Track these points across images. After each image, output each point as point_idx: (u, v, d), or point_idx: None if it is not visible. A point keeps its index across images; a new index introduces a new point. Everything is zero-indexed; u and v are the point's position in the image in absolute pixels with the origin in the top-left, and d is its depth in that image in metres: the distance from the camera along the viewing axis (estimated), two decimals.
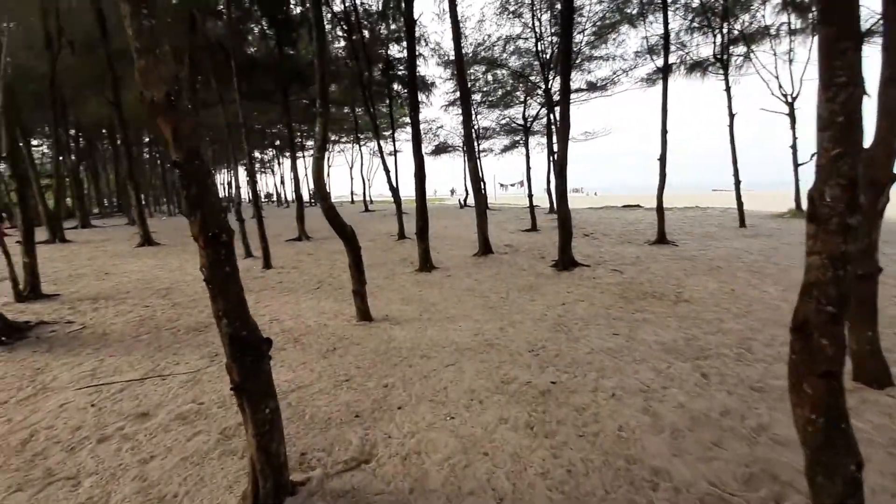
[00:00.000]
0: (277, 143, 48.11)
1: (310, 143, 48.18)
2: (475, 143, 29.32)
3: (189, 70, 13.98)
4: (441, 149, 31.59)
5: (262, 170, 59.42)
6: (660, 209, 11.02)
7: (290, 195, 58.13)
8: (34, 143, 28.37)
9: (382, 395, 3.76)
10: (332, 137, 42.87)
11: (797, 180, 16.72)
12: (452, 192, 55.13)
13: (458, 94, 26.88)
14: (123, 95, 14.13)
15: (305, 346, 4.98)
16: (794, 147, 16.34)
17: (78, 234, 18.18)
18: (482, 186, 28.66)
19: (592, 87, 21.92)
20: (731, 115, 13.47)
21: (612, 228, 14.55)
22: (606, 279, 7.69)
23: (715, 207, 22.52)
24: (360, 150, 39.22)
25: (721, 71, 14.16)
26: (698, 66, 16.94)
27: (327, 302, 6.96)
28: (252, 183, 10.34)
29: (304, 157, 46.25)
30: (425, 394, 3.73)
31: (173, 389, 3.96)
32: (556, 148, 20.70)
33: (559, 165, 8.48)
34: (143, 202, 26.09)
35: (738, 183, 13.62)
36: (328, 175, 50.41)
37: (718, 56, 13.92)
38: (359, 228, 17.04)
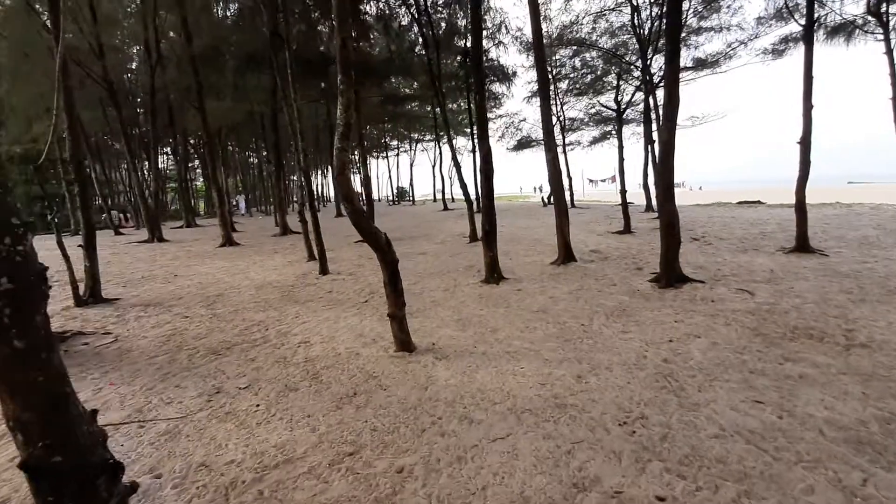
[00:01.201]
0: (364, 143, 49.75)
1: (394, 142, 49.00)
2: (555, 134, 27.17)
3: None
4: (524, 143, 29.77)
5: (353, 169, 61.97)
6: (801, 207, 8.51)
7: (380, 193, 59.92)
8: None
9: (390, 489, 2.54)
10: (414, 136, 43.00)
11: None
12: (537, 189, 52.55)
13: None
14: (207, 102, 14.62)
15: (321, 388, 3.94)
16: None
17: (178, 233, 19.55)
18: (568, 182, 26.45)
19: (701, 64, 18.83)
20: None
21: (730, 231, 11.93)
22: (731, 304, 5.75)
23: (862, 204, 18.15)
24: (439, 147, 38.87)
25: (879, 29, 10.85)
26: (842, 29, 13.44)
27: (370, 320, 5.94)
28: (307, 181, 9.75)
29: (387, 156, 47.05)
30: (452, 497, 2.45)
31: (138, 448, 3.11)
32: (655, 136, 18.04)
33: (664, 152, 6.63)
34: (230, 202, 27.87)
35: None
36: (411, 174, 50.87)
37: (875, 9, 10.65)
38: (432, 229, 16.06)
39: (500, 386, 3.80)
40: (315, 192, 52.99)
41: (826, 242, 9.40)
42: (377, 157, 54.55)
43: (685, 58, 18.37)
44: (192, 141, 28.15)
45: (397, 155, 50.96)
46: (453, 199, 42.99)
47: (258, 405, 3.65)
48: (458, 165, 12.45)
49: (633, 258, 9.15)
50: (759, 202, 21.13)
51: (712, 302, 5.89)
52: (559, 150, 27.23)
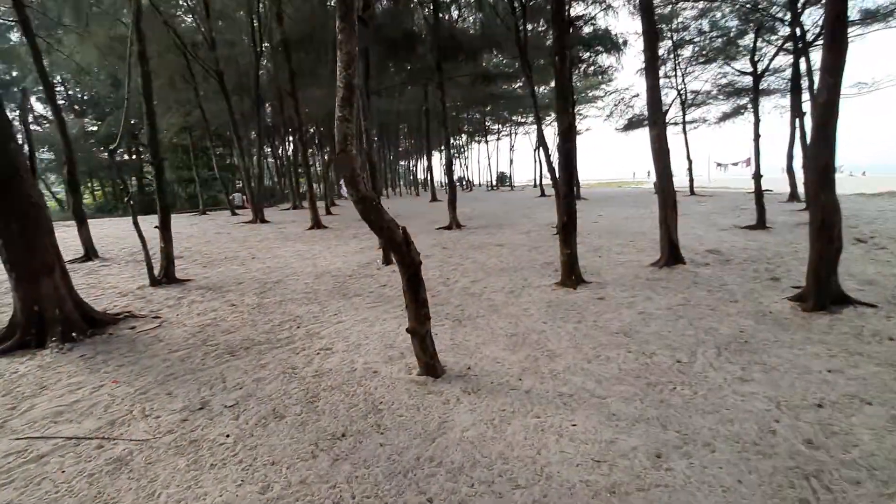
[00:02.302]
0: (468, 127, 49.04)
1: (496, 126, 47.60)
2: (676, 110, 23.46)
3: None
4: (635, 122, 26.50)
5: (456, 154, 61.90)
6: None
7: (481, 178, 59.26)
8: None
9: None
10: (515, 118, 41.14)
11: None
12: (650, 173, 47.27)
13: (660, 49, 21.71)
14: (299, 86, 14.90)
15: (310, 419, 3.17)
16: None
17: (283, 215, 20.77)
18: (687, 165, 22.93)
19: (870, 15, 14.47)
20: None
21: None
22: None
23: None
24: (540, 130, 36.62)
25: None
26: None
27: None
28: (370, 164, 9.11)
29: (486, 140, 45.83)
30: None
31: (74, 481, 2.60)
32: (806, 109, 14.40)
33: (821, 121, 4.65)
34: (337, 186, 29.07)
35: None
36: (511, 160, 48.94)
37: None
38: (521, 216, 14.85)
39: (534, 453, 2.66)
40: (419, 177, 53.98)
41: None
42: (479, 142, 53.70)
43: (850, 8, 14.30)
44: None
45: (498, 139, 49.46)
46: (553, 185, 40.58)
47: (228, 435, 2.99)
48: (545, 147, 10.95)
49: (766, 263, 7.03)
50: None
51: (890, 341, 3.96)
52: (678, 127, 23.72)
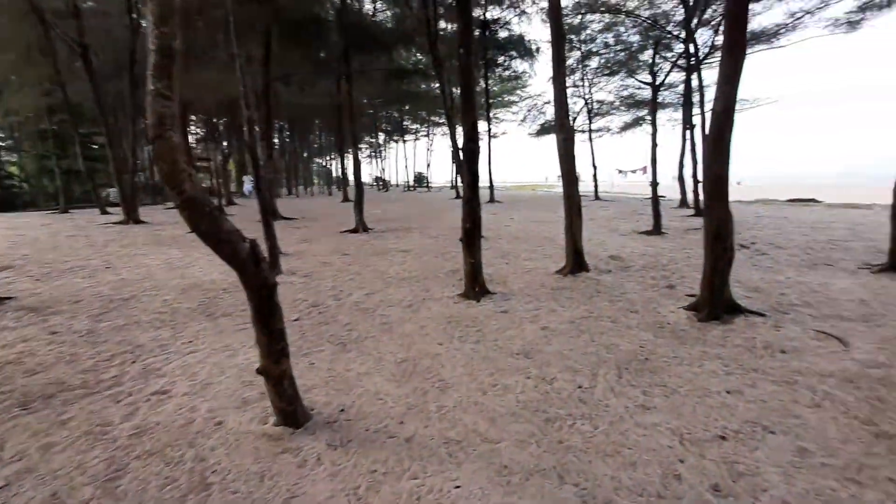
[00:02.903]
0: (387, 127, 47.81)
1: (415, 125, 47.03)
2: (582, 119, 24.64)
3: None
4: (547, 128, 27.45)
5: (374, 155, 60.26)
6: None
7: (399, 178, 58.22)
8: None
9: None
10: (433, 118, 40.96)
11: None
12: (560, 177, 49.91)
13: (569, 58, 22.59)
14: None
15: None
16: None
17: (165, 214, 18.31)
18: (593, 172, 24.10)
19: (755, 37, 16.14)
20: None
21: (787, 237, 9.69)
22: (814, 360, 3.77)
23: None
24: (453, 130, 36.83)
25: None
26: None
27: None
28: (253, 159, 8.00)
29: (403, 140, 45.13)
30: None
31: None
32: (696, 121, 15.59)
33: (717, 129, 4.60)
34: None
35: None
36: (429, 160, 48.65)
37: None
38: (433, 219, 14.26)
39: None
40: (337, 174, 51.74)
41: None
42: (397, 142, 52.77)
43: None
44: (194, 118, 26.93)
45: (416, 139, 48.98)
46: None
47: None
48: (456, 148, 10.52)
49: (662, 269, 7.14)
50: (813, 200, 18.45)
51: (782, 353, 3.92)
52: (585, 135, 24.91)
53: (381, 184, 46.54)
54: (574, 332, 4.55)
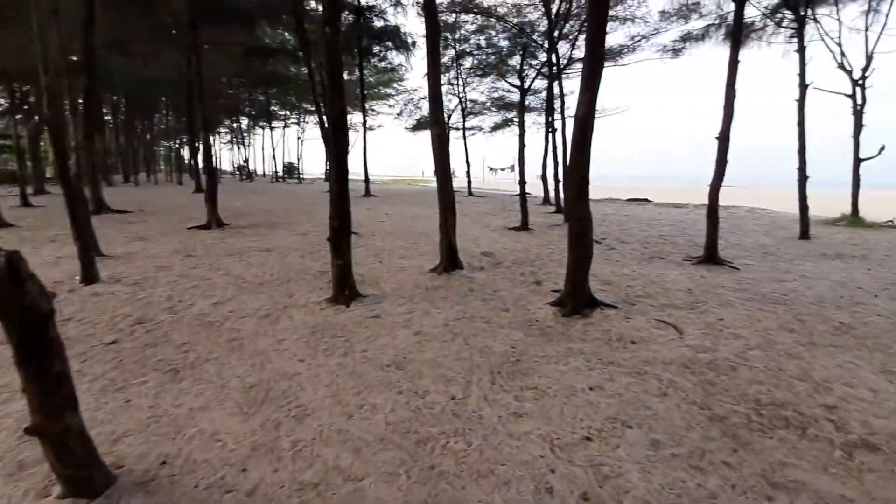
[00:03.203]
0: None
1: (283, 111, 43.59)
2: (456, 117, 25.41)
3: None
4: (423, 124, 27.62)
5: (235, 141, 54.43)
6: (713, 212, 7.50)
7: (266, 168, 53.45)
8: None
9: None
10: (305, 106, 38.49)
11: (857, 180, 13.31)
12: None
13: (444, 56, 22.92)
14: None
15: None
16: (856, 137, 12.89)
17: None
18: (466, 168, 24.92)
19: (606, 54, 18.12)
20: (804, 87, 9.91)
21: (629, 233, 11.00)
22: (658, 349, 4.13)
23: (737, 207, 19.03)
24: (321, 117, 35.24)
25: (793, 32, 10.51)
26: (743, 30, 13.26)
27: (84, 397, 3.27)
28: (53, 135, 6.38)
29: (271, 127, 41.61)
30: None
31: None
32: (558, 125, 16.98)
33: (580, 133, 4.81)
34: None
35: (804, 179, 10.14)
36: (300, 150, 45.43)
37: (795, 12, 10.21)
38: (304, 214, 13.10)
39: None
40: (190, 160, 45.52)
41: (728, 251, 8.62)
42: (264, 128, 48.39)
43: (582, 48, 17.54)
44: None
45: (285, 126, 45.52)
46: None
47: None
48: (325, 139, 9.80)
49: (530, 265, 7.45)
50: (646, 200, 21.53)
51: (633, 344, 4.24)
52: (459, 133, 25.66)
53: (245, 173, 42.34)
54: (448, 336, 4.38)
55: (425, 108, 28.41)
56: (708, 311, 5.15)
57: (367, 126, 38.26)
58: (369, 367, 3.73)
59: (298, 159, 44.32)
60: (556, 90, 16.46)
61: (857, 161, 12.97)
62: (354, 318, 4.89)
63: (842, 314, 5.03)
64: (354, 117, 36.30)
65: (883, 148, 12.40)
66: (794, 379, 3.53)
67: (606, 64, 18.25)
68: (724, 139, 7.20)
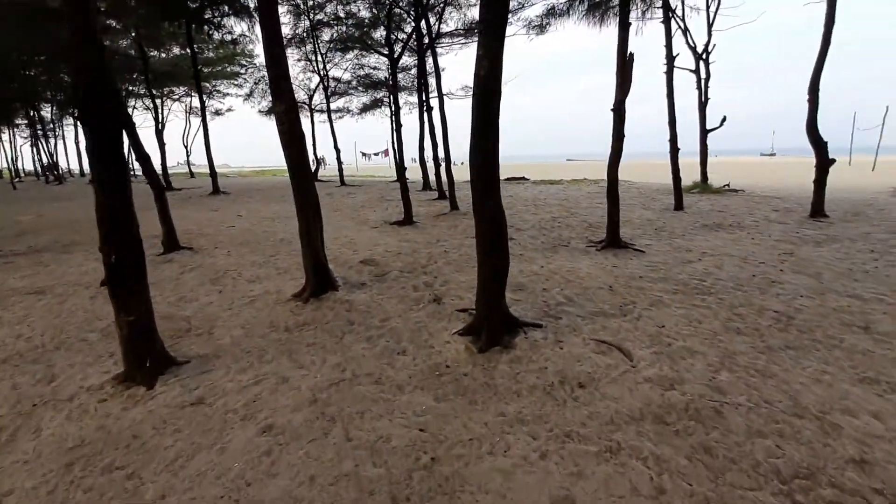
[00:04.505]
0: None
1: None
2: (317, 98, 22.72)
3: None
4: None
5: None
6: (613, 192, 6.85)
7: (81, 166, 43.43)
8: None
9: None
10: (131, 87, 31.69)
11: (704, 149, 14.46)
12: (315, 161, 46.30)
13: (298, 27, 20.04)
14: None
15: None
16: (702, 109, 13.90)
17: None
18: (336, 155, 22.62)
19: (470, 31, 17.26)
20: (671, 58, 9.98)
21: (521, 217, 10.21)
22: (613, 391, 3.01)
23: (603, 179, 19.95)
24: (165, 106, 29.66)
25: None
26: (599, 7, 13.30)
27: None
28: None
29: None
30: None
31: None
32: (435, 104, 15.72)
33: (481, 104, 3.43)
34: None
35: (676, 151, 10.33)
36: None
37: None
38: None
39: None
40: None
41: (621, 230, 8.22)
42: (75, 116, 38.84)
43: (455, 20, 16.51)
44: None
45: None
46: (194, 175, 34.18)
47: None
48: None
49: (423, 273, 6.04)
50: (524, 178, 21.65)
51: (581, 389, 3.08)
52: (324, 116, 23.04)
53: (54, 174, 33.70)
54: (318, 429, 2.75)
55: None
56: (642, 316, 4.29)
57: (216, 110, 33.07)
58: None
59: (128, 153, 36.59)
60: (430, 65, 15.10)
61: (704, 132, 14.05)
62: (158, 413, 2.96)
63: (770, 300, 4.55)
64: (192, 99, 30.96)
65: (724, 119, 13.52)
66: (790, 416, 2.68)
67: (473, 40, 17.18)
68: (618, 111, 6.55)
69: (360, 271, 6.16)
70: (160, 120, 24.26)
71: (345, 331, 4.20)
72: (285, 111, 5.09)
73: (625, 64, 6.42)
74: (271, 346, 3.93)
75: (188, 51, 18.05)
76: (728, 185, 14.80)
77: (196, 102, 24.77)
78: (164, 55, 24.35)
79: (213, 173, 17.61)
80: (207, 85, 27.52)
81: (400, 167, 10.07)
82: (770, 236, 7.35)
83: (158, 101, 29.40)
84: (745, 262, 5.96)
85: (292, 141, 5.14)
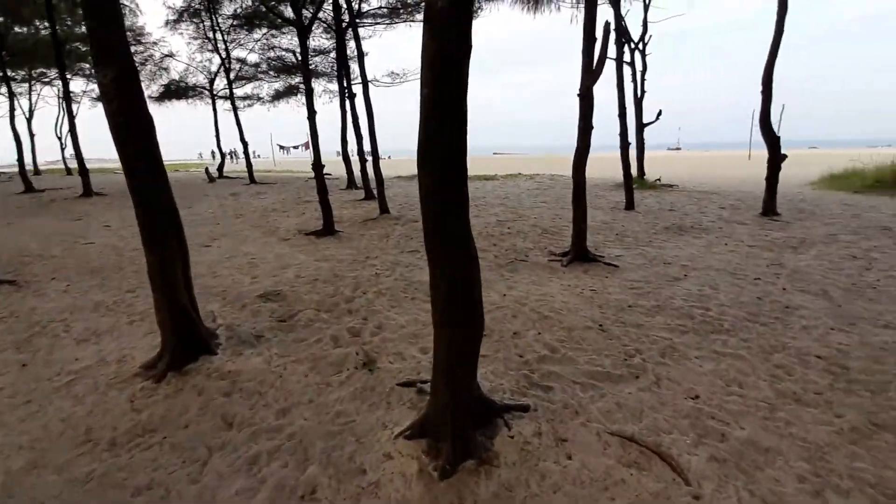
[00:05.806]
0: None
1: None
2: (213, 80, 19.65)
3: None
4: (174, 92, 21.00)
5: None
6: (580, 194, 5.68)
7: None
8: None
9: None
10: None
11: (641, 142, 14.09)
12: (217, 154, 40.52)
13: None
14: None
15: None
16: (638, 103, 13.47)
17: None
18: (243, 148, 19.93)
19: (394, 11, 15.52)
20: (620, 45, 9.10)
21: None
22: None
23: (541, 175, 19.31)
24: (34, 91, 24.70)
25: None
26: None
27: None
28: None
29: None
30: None
31: None
32: (358, 91, 13.84)
33: (437, 72, 1.93)
34: None
35: (627, 146, 9.53)
36: None
37: None
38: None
39: None
40: None
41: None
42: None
43: (379, 0, 14.71)
44: None
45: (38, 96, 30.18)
46: (69, 171, 28.94)
47: None
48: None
49: (347, 312, 4.42)
50: None
51: None
52: (227, 103, 20.11)
53: None
54: None
55: (175, 68, 21.80)
56: (661, 378, 3.07)
57: (97, 96, 28.09)
58: None
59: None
60: (357, 45, 13.20)
61: (641, 126, 13.65)
62: None
63: (801, 337, 3.56)
64: (59, 83, 26.11)
65: (660, 113, 13.18)
66: None
67: (400, 20, 15.29)
68: (585, 98, 5.36)
69: (258, 312, 4.41)
70: (29, 108, 19.70)
71: (213, 445, 2.52)
72: (114, 80, 3.23)
73: (592, 43, 5.23)
74: (66, 497, 2.15)
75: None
76: (660, 179, 14.67)
77: (73, 87, 20.58)
78: (25, 30, 19.84)
79: (82, 171, 14.27)
80: (86, 66, 23.03)
81: (317, 163, 8.25)
82: (742, 241, 6.64)
83: (22, 85, 24.31)
84: (736, 277, 5.06)
85: (129, 128, 3.29)
